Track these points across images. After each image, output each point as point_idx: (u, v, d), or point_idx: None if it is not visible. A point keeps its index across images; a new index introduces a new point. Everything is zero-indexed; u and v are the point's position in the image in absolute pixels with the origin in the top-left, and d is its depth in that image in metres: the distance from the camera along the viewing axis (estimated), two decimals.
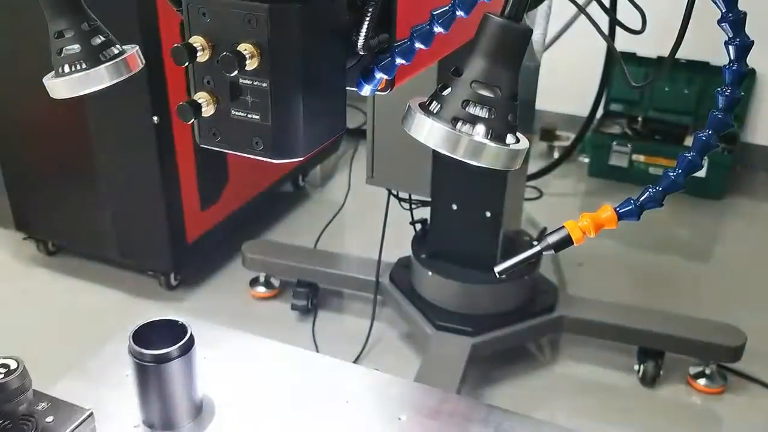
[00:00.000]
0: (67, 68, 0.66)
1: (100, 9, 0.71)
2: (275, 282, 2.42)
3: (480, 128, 0.51)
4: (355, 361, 2.08)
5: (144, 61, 0.70)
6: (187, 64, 0.55)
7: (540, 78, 1.95)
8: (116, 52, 0.68)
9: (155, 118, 2.07)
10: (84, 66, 0.66)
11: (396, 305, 2.16)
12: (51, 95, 0.67)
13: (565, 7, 1.18)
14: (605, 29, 1.20)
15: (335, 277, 2.30)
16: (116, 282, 2.44)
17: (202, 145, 0.59)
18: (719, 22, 0.52)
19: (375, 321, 2.19)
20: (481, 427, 0.82)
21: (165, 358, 0.77)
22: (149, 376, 0.79)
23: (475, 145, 0.50)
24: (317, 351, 2.16)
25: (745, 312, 2.26)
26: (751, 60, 0.56)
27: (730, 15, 0.52)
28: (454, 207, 1.96)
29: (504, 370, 2.11)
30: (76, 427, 0.73)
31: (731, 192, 3.03)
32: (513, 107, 0.52)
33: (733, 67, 0.54)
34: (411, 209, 2.15)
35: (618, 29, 1.19)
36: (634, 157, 3.00)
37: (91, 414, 0.75)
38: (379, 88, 0.64)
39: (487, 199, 1.91)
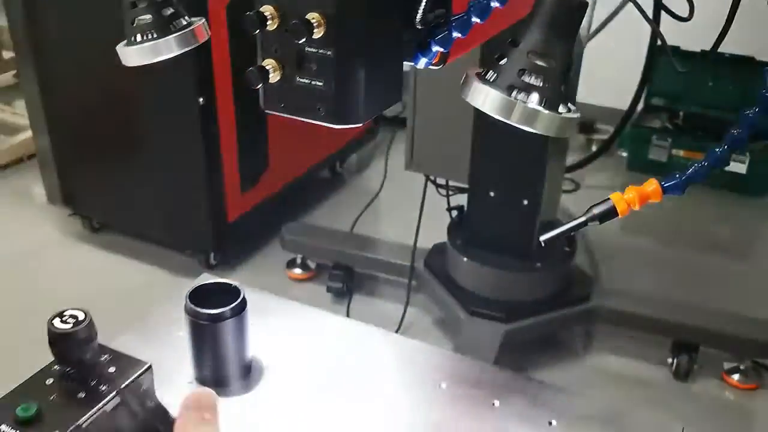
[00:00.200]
0: (139, 37, 0.70)
1: None
2: (311, 264, 2.46)
3: (534, 96, 0.53)
4: None
5: (209, 33, 0.73)
6: (256, 32, 0.58)
7: (581, 69, 1.96)
8: (184, 23, 0.72)
9: (201, 99, 2.12)
10: (155, 35, 0.70)
11: (430, 290, 2.18)
12: (123, 62, 0.71)
13: None
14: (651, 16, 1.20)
15: (371, 261, 2.34)
16: (157, 260, 2.50)
17: (266, 111, 0.63)
18: None
19: (409, 306, 2.22)
20: (519, 397, 0.85)
21: (219, 318, 0.81)
22: (204, 335, 0.83)
23: (529, 112, 0.53)
24: None
25: None
26: None
27: None
28: (492, 194, 1.97)
29: (536, 359, 2.12)
30: (137, 378, 0.77)
31: None
32: (566, 78, 0.54)
33: None
34: (448, 196, 2.17)
35: (663, 21, 1.19)
36: (674, 151, 2.98)
37: (150, 367, 0.79)
38: (433, 62, 0.67)
39: (526, 187, 1.93)
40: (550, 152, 1.88)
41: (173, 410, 0.82)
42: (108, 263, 2.51)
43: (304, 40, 0.55)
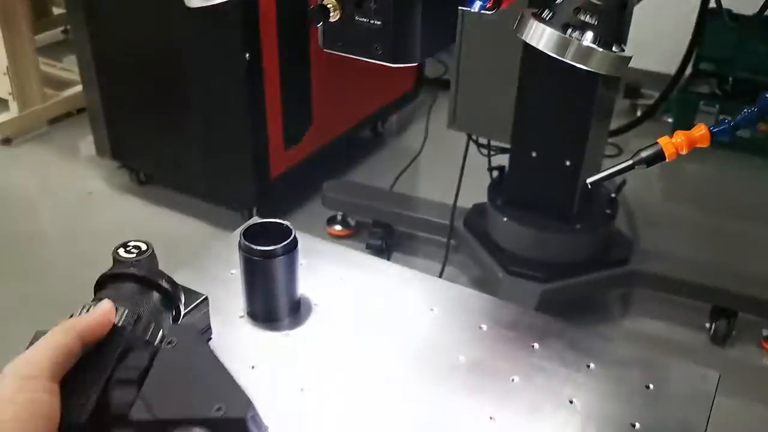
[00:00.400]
0: None
1: None
2: (351, 222, 2.50)
3: (589, 34, 0.54)
4: None
5: None
6: None
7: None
8: None
9: (247, 55, 2.15)
10: None
11: (469, 250, 2.21)
12: (186, 4, 0.74)
13: None
14: None
15: (410, 219, 2.37)
16: (201, 213, 2.56)
17: (325, 49, 0.65)
18: None
19: (447, 265, 2.25)
20: (555, 340, 0.87)
21: (271, 254, 0.85)
22: (256, 271, 0.87)
23: (584, 49, 0.54)
24: None
25: None
26: None
27: None
28: (534, 154, 1.98)
29: (573, 322, 2.13)
30: (193, 308, 0.81)
31: None
32: (620, 18, 0.56)
33: None
34: (489, 155, 2.18)
35: None
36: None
37: (206, 298, 0.83)
38: (487, 6, 0.68)
39: (569, 147, 1.92)
40: (595, 113, 1.87)
41: (227, 339, 0.86)
42: (154, 215, 2.58)
43: None
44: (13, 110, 2.94)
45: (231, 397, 0.50)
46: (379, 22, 0.61)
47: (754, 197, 2.77)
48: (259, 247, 0.84)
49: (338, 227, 2.49)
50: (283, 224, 0.88)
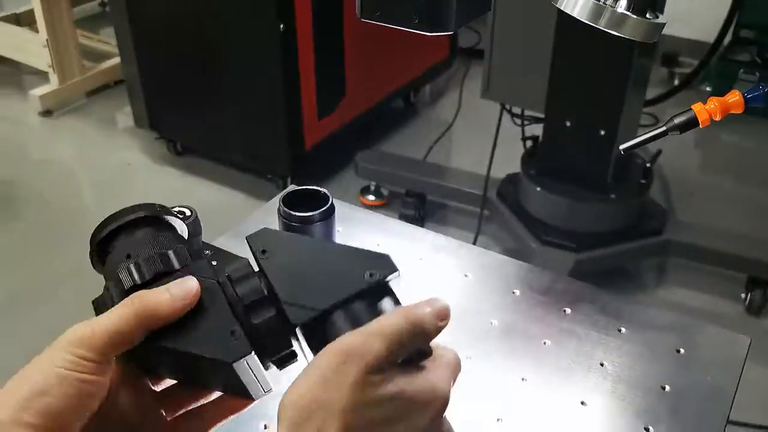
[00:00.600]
0: None
1: None
2: (385, 191, 2.52)
3: (623, 1, 0.55)
4: None
5: None
6: None
7: None
8: None
9: (281, 26, 2.16)
10: None
11: (502, 220, 2.21)
12: None
13: None
14: None
15: (443, 189, 2.38)
16: (237, 183, 2.61)
17: (362, 19, 0.66)
18: None
19: (480, 235, 2.26)
20: (587, 305, 0.88)
21: (309, 220, 0.87)
22: None
23: (617, 16, 0.55)
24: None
25: None
26: None
27: None
28: (568, 123, 1.97)
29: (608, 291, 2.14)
30: None
31: None
32: None
33: None
34: (523, 125, 2.17)
35: None
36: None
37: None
38: None
39: (604, 116, 1.91)
40: (631, 81, 1.85)
41: None
42: (191, 185, 2.63)
43: None
44: (54, 82, 3.01)
45: (372, 261, 0.48)
46: None
47: None
48: (297, 213, 0.87)
49: (372, 197, 2.51)
50: (321, 191, 0.90)
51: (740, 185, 2.61)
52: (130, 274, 0.51)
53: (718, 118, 0.65)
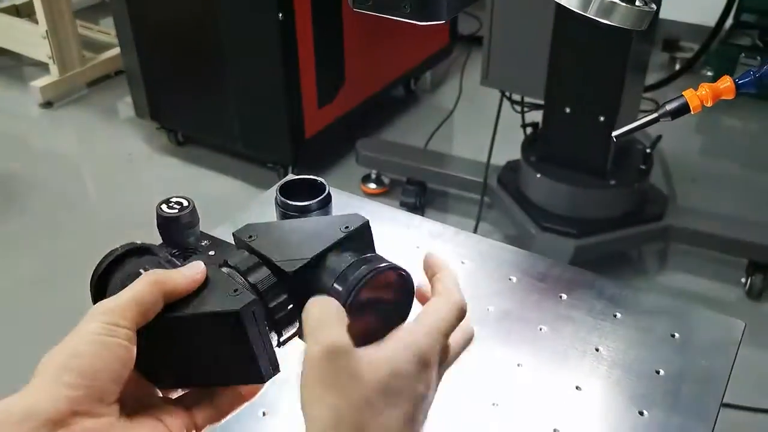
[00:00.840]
0: None
1: None
2: (385, 179, 2.53)
3: None
4: None
5: None
6: None
7: None
8: None
9: (280, 15, 2.16)
10: None
11: (502, 207, 2.22)
12: None
13: None
14: None
15: (444, 176, 2.38)
16: (237, 172, 2.61)
17: (355, 9, 0.67)
18: None
19: (481, 222, 2.27)
20: (584, 290, 0.89)
21: (307, 210, 0.88)
22: None
23: (606, 4, 0.55)
24: None
25: None
26: None
27: None
28: (568, 110, 1.97)
29: (608, 277, 2.14)
30: None
31: None
32: None
33: None
34: (522, 112, 2.17)
35: None
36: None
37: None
38: None
39: (603, 102, 1.91)
40: (629, 67, 1.85)
41: None
42: (192, 175, 2.64)
43: None
44: (54, 74, 3.01)
45: (344, 219, 0.55)
46: None
47: None
48: (294, 203, 0.88)
49: (372, 185, 2.52)
50: (318, 180, 0.90)
51: (741, 170, 2.61)
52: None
53: (709, 104, 0.66)
